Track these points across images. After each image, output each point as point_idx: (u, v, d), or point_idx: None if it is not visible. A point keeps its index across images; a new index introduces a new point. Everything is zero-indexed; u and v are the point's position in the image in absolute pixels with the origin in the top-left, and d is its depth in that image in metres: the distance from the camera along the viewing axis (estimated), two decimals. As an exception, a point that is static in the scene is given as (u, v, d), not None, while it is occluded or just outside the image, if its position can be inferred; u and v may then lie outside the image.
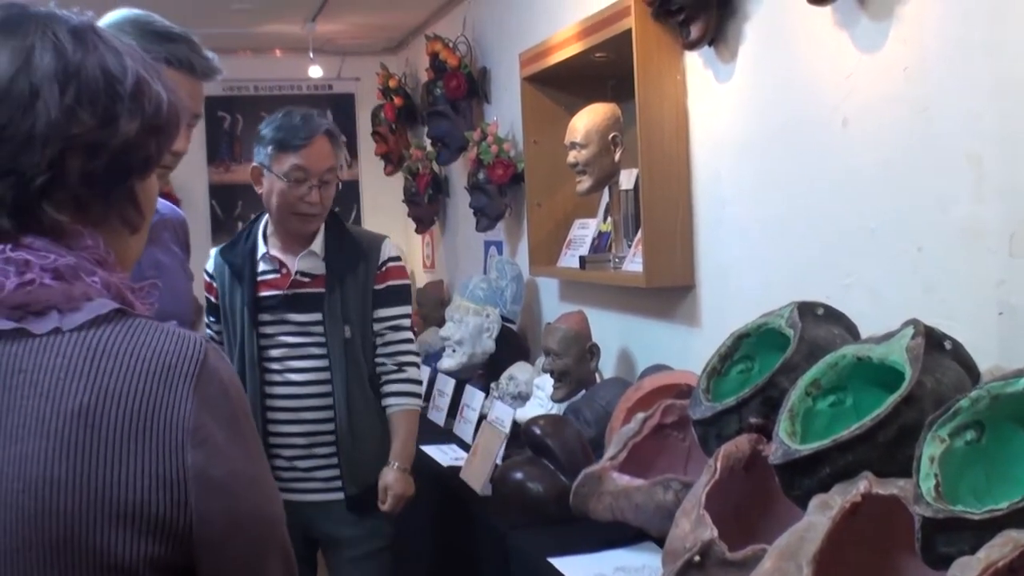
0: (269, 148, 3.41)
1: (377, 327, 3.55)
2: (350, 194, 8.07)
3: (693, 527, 2.31)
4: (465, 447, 4.08)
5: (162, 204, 2.86)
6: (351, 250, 3.52)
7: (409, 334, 3.63)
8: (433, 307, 6.38)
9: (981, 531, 1.74)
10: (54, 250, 1.29)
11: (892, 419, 2.07)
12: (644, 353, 4.13)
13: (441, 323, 5.27)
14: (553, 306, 5.06)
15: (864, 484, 2.04)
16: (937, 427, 1.93)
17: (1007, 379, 1.95)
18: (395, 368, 3.53)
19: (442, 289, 6.57)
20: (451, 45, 5.93)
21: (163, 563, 1.24)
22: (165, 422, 1.24)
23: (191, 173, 7.61)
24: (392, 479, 3.39)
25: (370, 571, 3.55)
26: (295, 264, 3.46)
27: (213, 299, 3.63)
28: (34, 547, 1.21)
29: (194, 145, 8.34)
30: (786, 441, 2.19)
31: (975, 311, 2.44)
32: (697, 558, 2.26)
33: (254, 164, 3.47)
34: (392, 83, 7.01)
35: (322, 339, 3.45)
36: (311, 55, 7.23)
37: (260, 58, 7.69)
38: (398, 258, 3.65)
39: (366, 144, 7.85)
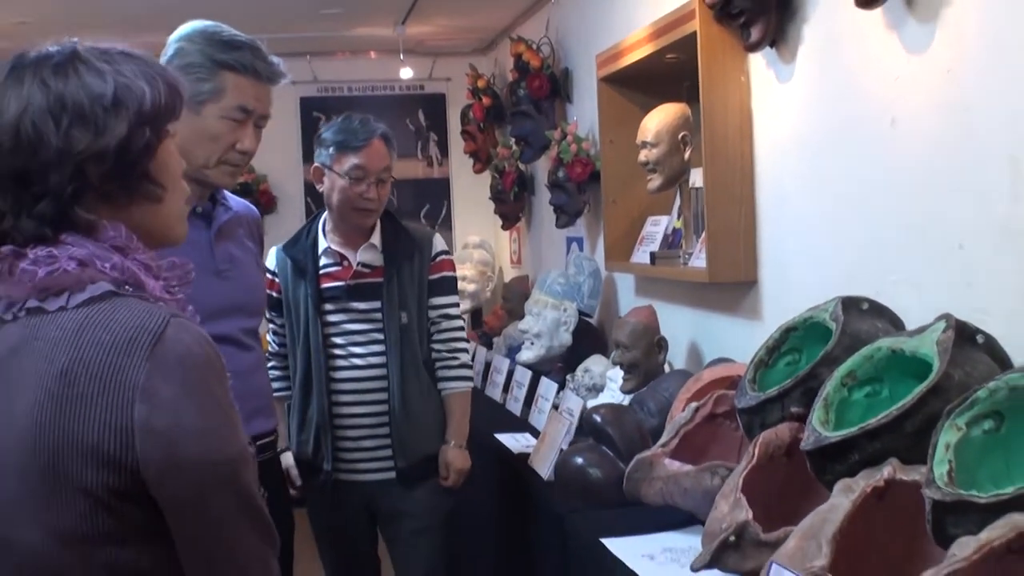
0: (331, 149, 3.59)
1: (431, 315, 3.71)
2: (441, 191, 8.21)
3: (730, 509, 2.38)
4: (537, 435, 4.16)
5: (236, 201, 3.00)
6: (406, 243, 3.69)
7: (460, 321, 3.79)
8: (518, 301, 6.43)
9: (987, 514, 1.80)
10: (78, 243, 1.60)
11: (918, 408, 2.13)
12: (710, 346, 4.17)
13: (524, 317, 5.38)
14: (628, 300, 5.08)
15: (889, 470, 2.10)
16: (955, 416, 2.00)
17: (1022, 372, 2.02)
18: (448, 355, 3.70)
19: (527, 284, 6.63)
20: (534, 46, 6.00)
21: (119, 490, 1.56)
22: (120, 382, 1.55)
23: (287, 172, 7.81)
24: (451, 456, 3.61)
25: (426, 545, 3.69)
26: (357, 256, 3.64)
27: (275, 294, 3.76)
28: (32, 470, 1.57)
29: (290, 145, 8.60)
30: (818, 428, 2.27)
31: (1013, 307, 2.45)
32: (733, 538, 2.33)
33: (316, 164, 3.66)
34: (481, 83, 7.04)
35: (381, 325, 3.62)
36: (402, 57, 7.32)
37: (354, 60, 7.84)
38: (448, 252, 3.83)
39: (456, 143, 7.92)
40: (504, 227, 7.11)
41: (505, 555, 4.00)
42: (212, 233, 2.85)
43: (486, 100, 6.99)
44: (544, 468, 3.65)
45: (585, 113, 5.52)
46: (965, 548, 1.73)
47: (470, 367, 3.81)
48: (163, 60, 2.65)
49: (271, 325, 3.83)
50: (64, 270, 1.59)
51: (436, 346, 3.73)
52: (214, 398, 1.62)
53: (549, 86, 5.91)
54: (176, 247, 1.77)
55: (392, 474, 3.64)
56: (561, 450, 3.59)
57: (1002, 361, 2.29)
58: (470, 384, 3.78)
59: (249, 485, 1.64)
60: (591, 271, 5.27)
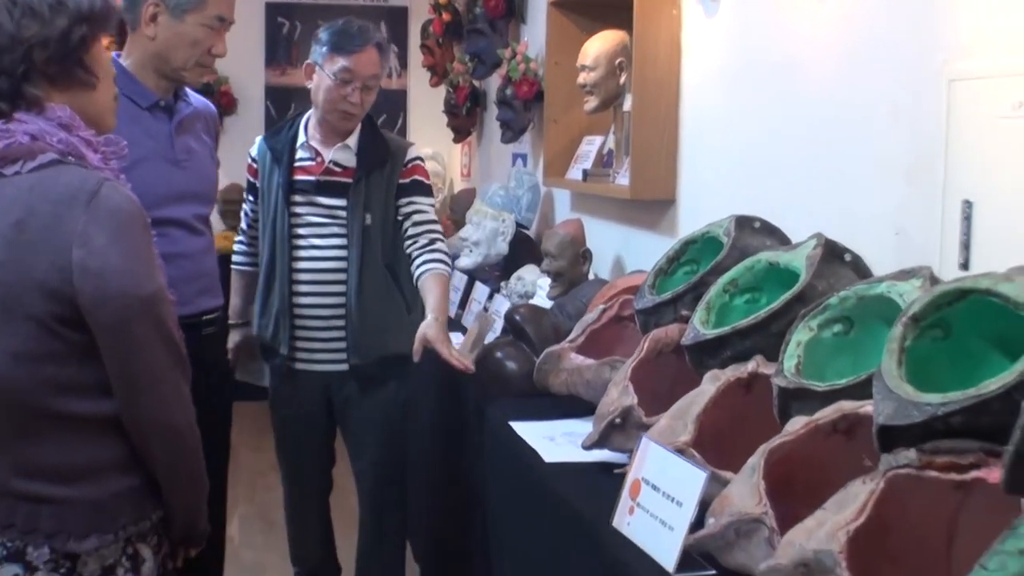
0: (324, 49, 3.56)
1: (405, 211, 3.70)
2: (398, 102, 8.31)
3: (619, 395, 2.60)
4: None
5: (196, 99, 3.19)
6: (381, 149, 3.70)
7: (434, 216, 3.77)
8: (464, 213, 6.59)
9: (824, 400, 2.01)
10: (31, 120, 1.90)
11: (784, 313, 2.34)
12: (633, 259, 4.34)
13: (465, 226, 5.52)
14: (564, 215, 5.23)
15: (753, 364, 2.32)
16: (808, 318, 2.22)
17: (870, 283, 2.24)
18: (426, 243, 3.66)
19: (473, 196, 6.76)
20: None
21: (60, 317, 1.85)
22: (62, 230, 1.84)
23: (249, 75, 7.87)
24: (432, 330, 3.41)
25: (377, 434, 3.74)
26: (329, 154, 3.65)
27: (253, 180, 3.82)
28: None
29: (253, 48, 8.65)
30: (698, 327, 2.48)
31: (877, 230, 2.66)
32: (619, 420, 2.55)
33: (308, 61, 3.64)
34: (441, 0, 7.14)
35: (344, 223, 3.63)
36: None
37: None
38: (422, 159, 3.83)
39: (415, 56, 8.00)
40: (456, 140, 7.20)
41: (436, 437, 4.14)
42: (173, 126, 3.05)
43: (446, 16, 7.01)
44: (463, 355, 3.78)
45: (536, 35, 5.57)
46: (795, 424, 1.98)
47: (447, 254, 3.73)
48: None
49: (245, 205, 3.93)
50: (19, 143, 1.87)
51: (411, 238, 3.69)
52: (137, 245, 1.89)
53: (504, 6, 5.95)
54: (110, 132, 2.05)
55: (346, 366, 3.68)
56: (483, 346, 3.73)
57: (865, 276, 2.45)
58: (447, 268, 3.68)
59: (164, 318, 1.92)
60: (530, 185, 5.43)
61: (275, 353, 3.69)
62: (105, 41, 2.09)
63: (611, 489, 2.41)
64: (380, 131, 3.81)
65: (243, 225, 3.93)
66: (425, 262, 3.61)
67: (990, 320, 1.87)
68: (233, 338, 3.86)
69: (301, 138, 3.71)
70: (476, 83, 6.71)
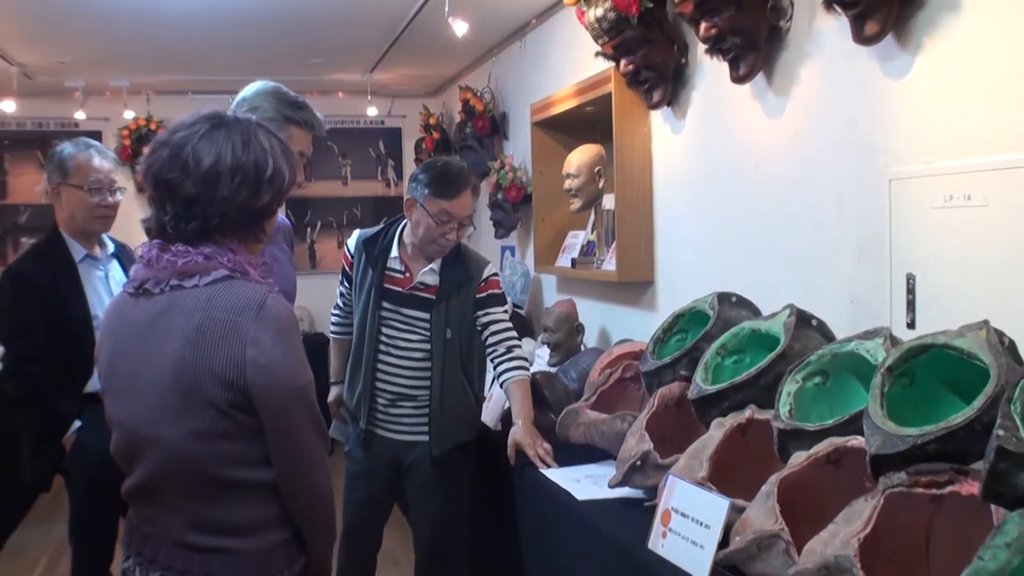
0: (426, 191, 3.40)
1: (483, 321, 3.55)
2: (396, 207, 8.32)
3: (637, 442, 2.70)
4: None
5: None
6: (461, 271, 3.53)
7: (508, 323, 3.60)
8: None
9: (815, 438, 2.15)
10: (208, 246, 1.96)
11: (770, 369, 2.47)
12: (617, 330, 4.43)
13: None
14: (552, 296, 5.31)
15: (749, 412, 2.43)
16: (795, 373, 2.35)
17: (842, 343, 2.38)
18: (504, 351, 3.52)
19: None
20: (478, 94, 6.23)
21: (234, 403, 1.90)
22: (237, 333, 1.90)
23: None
24: (521, 435, 3.32)
25: (441, 489, 3.59)
26: (418, 275, 3.50)
27: (348, 269, 3.69)
28: (177, 390, 1.91)
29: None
30: (700, 384, 2.59)
31: (835, 300, 2.78)
32: (639, 462, 2.66)
33: (409, 196, 3.46)
34: (432, 121, 7.28)
35: (427, 335, 3.50)
36: (369, 98, 7.49)
37: (327, 98, 7.84)
38: (496, 275, 3.64)
39: (409, 168, 8.11)
40: (449, 238, 7.24)
41: (479, 486, 3.92)
42: None
43: (435, 134, 7.20)
44: (491, 421, 3.91)
45: (519, 148, 5.73)
46: (798, 458, 2.11)
47: (525, 359, 3.57)
48: (235, 106, 2.91)
49: (340, 288, 3.80)
50: (195, 261, 1.94)
51: (491, 347, 3.56)
52: (294, 344, 1.97)
53: (490, 126, 6.15)
54: None
55: (420, 437, 3.55)
56: (505, 408, 3.78)
57: (829, 337, 2.59)
58: (527, 373, 3.52)
59: (314, 402, 2.00)
60: (522, 272, 5.56)
61: (356, 422, 3.66)
62: None
63: (638, 519, 2.50)
64: (462, 251, 3.61)
65: (339, 302, 3.85)
66: (507, 370, 3.50)
67: (946, 368, 2.02)
68: (333, 392, 3.85)
69: (394, 250, 3.55)
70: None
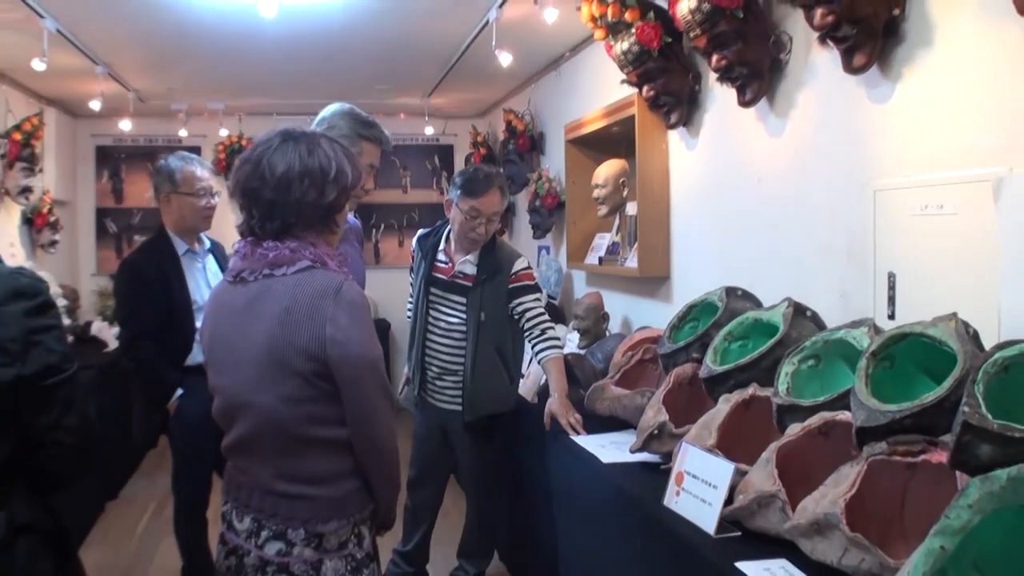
0: (458, 192, 3.49)
1: (518, 310, 3.55)
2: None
3: (655, 414, 2.70)
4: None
5: (348, 218, 3.33)
6: (494, 263, 3.56)
7: (542, 309, 3.59)
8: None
9: (807, 412, 2.14)
10: (292, 241, 1.98)
11: (769, 353, 2.47)
12: (638, 319, 4.42)
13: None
14: (582, 288, 5.31)
15: (752, 390, 2.43)
16: (791, 356, 2.34)
17: (832, 331, 2.36)
18: (540, 333, 3.52)
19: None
20: (520, 116, 6.25)
21: (316, 372, 1.93)
22: (318, 314, 1.93)
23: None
24: (556, 406, 3.34)
25: (483, 465, 3.71)
26: (457, 265, 3.58)
27: (412, 262, 3.78)
28: (268, 363, 1.94)
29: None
30: (710, 365, 2.59)
31: (827, 294, 2.76)
32: (656, 431, 2.66)
33: (447, 198, 3.55)
34: (479, 138, 7.31)
35: (463, 316, 3.56)
36: (427, 119, 7.54)
37: (390, 119, 7.79)
38: (528, 268, 3.64)
39: (460, 179, 8.16)
40: (494, 238, 7.26)
41: (516, 451, 3.97)
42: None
43: (483, 150, 7.22)
44: (529, 395, 3.93)
45: (554, 162, 5.72)
46: (794, 430, 2.10)
47: (558, 338, 3.57)
48: (316, 126, 2.92)
49: (410, 277, 3.83)
50: (283, 254, 1.98)
51: (528, 330, 3.56)
52: (367, 324, 1.99)
53: (529, 143, 6.16)
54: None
55: (456, 407, 3.60)
56: (541, 384, 3.84)
57: (821, 326, 2.59)
58: (560, 351, 3.52)
59: (383, 373, 2.02)
60: (556, 268, 5.56)
61: (413, 390, 3.72)
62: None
63: (655, 480, 2.52)
64: (497, 246, 3.64)
65: (411, 290, 3.85)
66: (543, 349, 3.51)
67: (921, 353, 2.01)
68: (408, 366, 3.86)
69: (442, 244, 3.65)
70: (510, 198, 6.77)
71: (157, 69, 5.99)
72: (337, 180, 2.00)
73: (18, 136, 5.82)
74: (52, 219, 6.58)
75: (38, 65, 4.65)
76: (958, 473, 1.65)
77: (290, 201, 1.96)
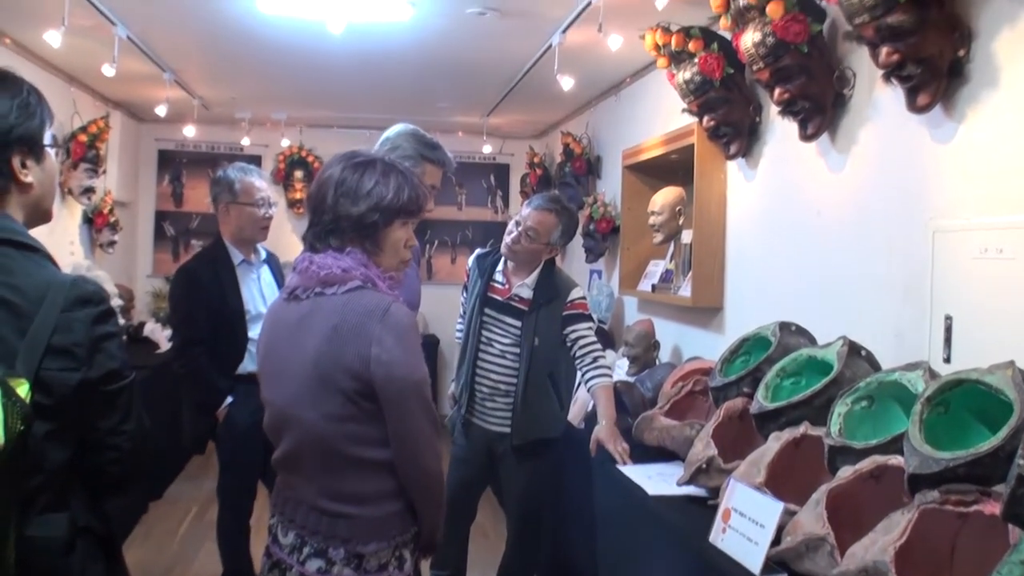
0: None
1: (571, 337, 3.54)
2: (502, 231, 8.36)
3: (703, 448, 2.69)
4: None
5: None
6: (551, 289, 3.56)
7: (594, 338, 3.58)
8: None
9: (860, 455, 2.12)
10: (342, 258, 2.03)
11: (823, 392, 2.44)
12: (689, 349, 4.40)
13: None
14: (633, 315, 5.30)
15: (803, 428, 2.41)
16: (845, 397, 2.32)
17: (887, 373, 2.35)
18: (591, 361, 3.50)
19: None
20: (577, 139, 6.25)
21: (360, 392, 1.96)
22: (365, 333, 1.96)
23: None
24: (604, 434, 3.34)
25: (527, 488, 3.61)
26: (515, 287, 3.56)
27: (467, 282, 3.76)
28: (314, 379, 1.98)
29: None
30: (761, 401, 2.57)
31: (882, 334, 2.75)
32: (704, 465, 2.65)
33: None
34: (536, 159, 7.33)
35: (518, 339, 3.53)
36: (485, 137, 7.60)
37: (449, 136, 7.88)
38: (583, 298, 3.64)
39: (515, 199, 8.19)
40: (547, 261, 7.27)
41: (563, 479, 3.96)
42: None
43: (539, 171, 7.25)
44: (576, 420, 3.93)
45: (611, 186, 5.73)
46: (845, 472, 2.09)
47: (608, 367, 3.55)
48: (380, 146, 2.97)
49: (461, 298, 3.82)
50: (334, 273, 2.02)
51: (579, 358, 3.54)
52: (413, 346, 2.01)
53: (586, 167, 6.16)
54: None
55: (504, 430, 3.56)
56: (588, 410, 3.84)
57: (876, 366, 2.57)
58: (610, 380, 3.51)
59: (427, 394, 2.03)
60: (608, 293, 5.56)
61: (459, 410, 3.69)
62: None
63: (701, 515, 2.50)
64: (555, 273, 3.64)
65: (461, 308, 3.86)
66: (593, 376, 3.50)
67: (976, 401, 1.99)
68: (453, 385, 3.82)
69: (500, 265, 3.65)
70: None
71: (222, 78, 6.12)
72: (369, 195, 2.04)
73: (84, 138, 5.98)
74: (112, 220, 6.74)
75: (108, 70, 4.78)
76: (1011, 527, 1.63)
77: (325, 210, 2.05)
